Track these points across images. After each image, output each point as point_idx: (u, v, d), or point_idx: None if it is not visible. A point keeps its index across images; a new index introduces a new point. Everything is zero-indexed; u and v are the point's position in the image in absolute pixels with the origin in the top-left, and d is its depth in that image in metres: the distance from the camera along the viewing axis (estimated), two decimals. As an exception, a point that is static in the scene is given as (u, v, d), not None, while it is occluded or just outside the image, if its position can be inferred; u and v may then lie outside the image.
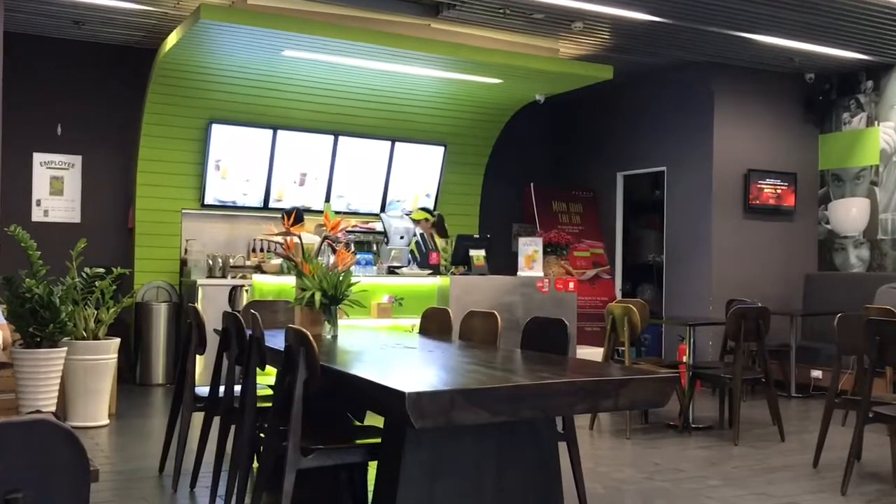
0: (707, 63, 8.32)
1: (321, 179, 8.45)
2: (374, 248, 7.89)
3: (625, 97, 9.35)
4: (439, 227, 7.01)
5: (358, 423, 3.76)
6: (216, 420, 4.02)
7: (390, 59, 7.12)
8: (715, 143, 8.30)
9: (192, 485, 4.13)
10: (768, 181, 8.50)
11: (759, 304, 6.12)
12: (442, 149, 9.03)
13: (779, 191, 8.54)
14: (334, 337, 3.96)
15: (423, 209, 7.30)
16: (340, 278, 3.96)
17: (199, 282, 7.47)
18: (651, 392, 2.70)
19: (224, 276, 7.82)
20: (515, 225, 9.83)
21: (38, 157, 7.80)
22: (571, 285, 6.68)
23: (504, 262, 7.93)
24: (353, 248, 7.19)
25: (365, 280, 5.11)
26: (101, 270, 5.83)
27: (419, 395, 2.31)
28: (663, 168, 8.87)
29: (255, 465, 3.82)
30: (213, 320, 5.32)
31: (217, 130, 7.93)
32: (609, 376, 2.72)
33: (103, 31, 7.58)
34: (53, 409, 5.36)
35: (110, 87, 7.99)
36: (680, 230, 8.65)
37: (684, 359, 6.02)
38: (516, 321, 6.05)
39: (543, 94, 8.39)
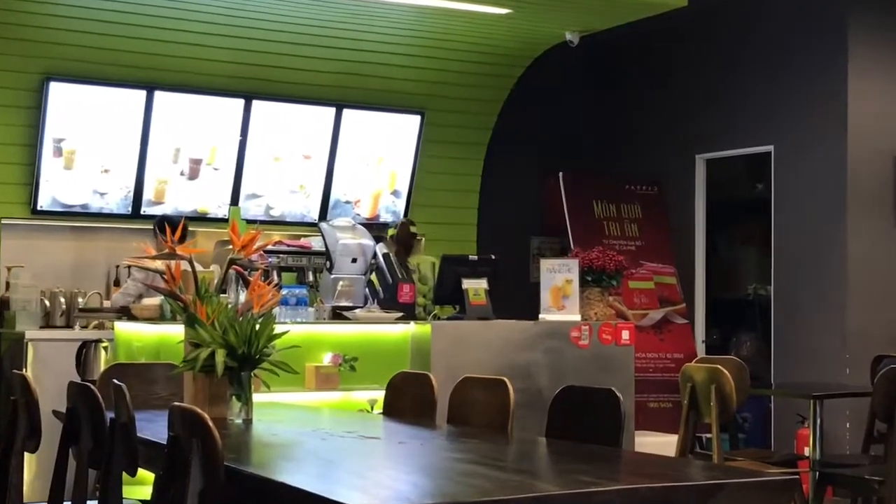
0: (836, -18, 8.40)
1: (225, 169, 8.46)
2: (311, 277, 7.86)
3: (707, 37, 9.39)
4: (403, 238, 6.95)
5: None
6: (57, 557, 3.97)
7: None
8: (850, 109, 8.33)
9: None
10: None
11: (925, 364, 6.13)
12: (418, 119, 9.06)
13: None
14: (247, 421, 3.95)
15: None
16: (257, 327, 3.95)
17: (29, 335, 7.41)
18: (756, 505, 2.70)
19: (69, 326, 7.76)
20: (535, 239, 9.83)
21: None
22: (626, 335, 6.68)
23: (518, 298, 7.91)
24: (276, 279, 7.18)
25: (297, 329, 5.09)
26: None
27: (385, 514, 2.30)
28: (769, 148, 8.90)
29: None
30: (51, 396, 5.28)
31: (57, 92, 7.92)
32: (688, 481, 2.74)
33: None
34: None
35: None
36: (796, 247, 8.66)
37: (807, 451, 6.01)
38: (539, 393, 6.03)
39: (577, 31, 8.43)
